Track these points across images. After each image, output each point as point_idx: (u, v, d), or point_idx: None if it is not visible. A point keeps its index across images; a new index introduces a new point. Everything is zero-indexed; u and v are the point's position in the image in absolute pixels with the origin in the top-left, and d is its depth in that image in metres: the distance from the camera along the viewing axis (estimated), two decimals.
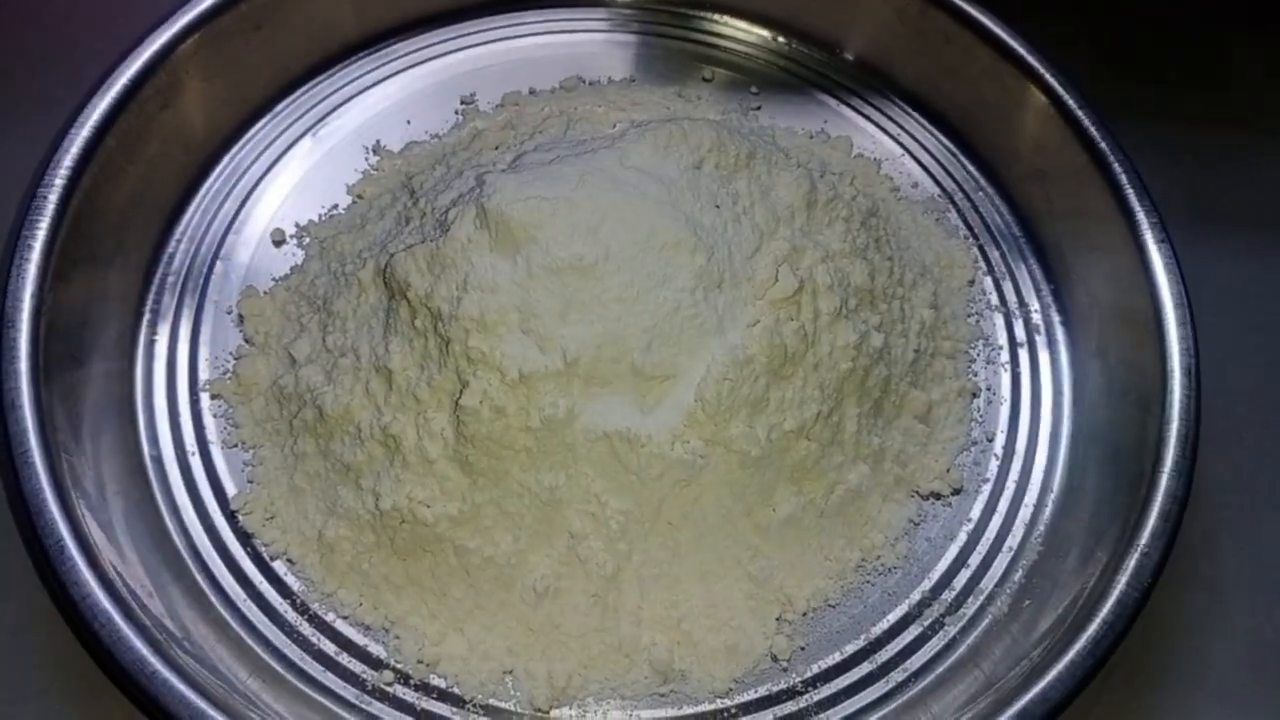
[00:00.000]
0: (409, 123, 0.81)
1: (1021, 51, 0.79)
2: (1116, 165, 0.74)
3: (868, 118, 0.85)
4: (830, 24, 0.86)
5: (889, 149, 0.84)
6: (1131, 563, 0.61)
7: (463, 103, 0.83)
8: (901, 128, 0.85)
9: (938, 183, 0.82)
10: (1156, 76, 0.92)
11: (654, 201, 0.63)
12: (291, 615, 0.63)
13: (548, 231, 0.61)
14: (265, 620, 0.63)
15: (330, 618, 0.63)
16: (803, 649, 0.64)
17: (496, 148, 0.76)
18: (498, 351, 0.60)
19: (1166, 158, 0.85)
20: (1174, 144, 0.88)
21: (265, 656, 0.62)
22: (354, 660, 0.62)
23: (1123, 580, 0.60)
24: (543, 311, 0.60)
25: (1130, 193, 0.73)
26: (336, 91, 0.83)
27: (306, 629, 0.63)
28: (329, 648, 0.62)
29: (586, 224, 0.62)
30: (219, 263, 0.75)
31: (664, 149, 0.67)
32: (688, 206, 0.64)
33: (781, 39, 0.87)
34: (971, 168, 0.83)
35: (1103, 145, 0.75)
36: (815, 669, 0.63)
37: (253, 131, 0.80)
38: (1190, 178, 0.87)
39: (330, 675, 0.62)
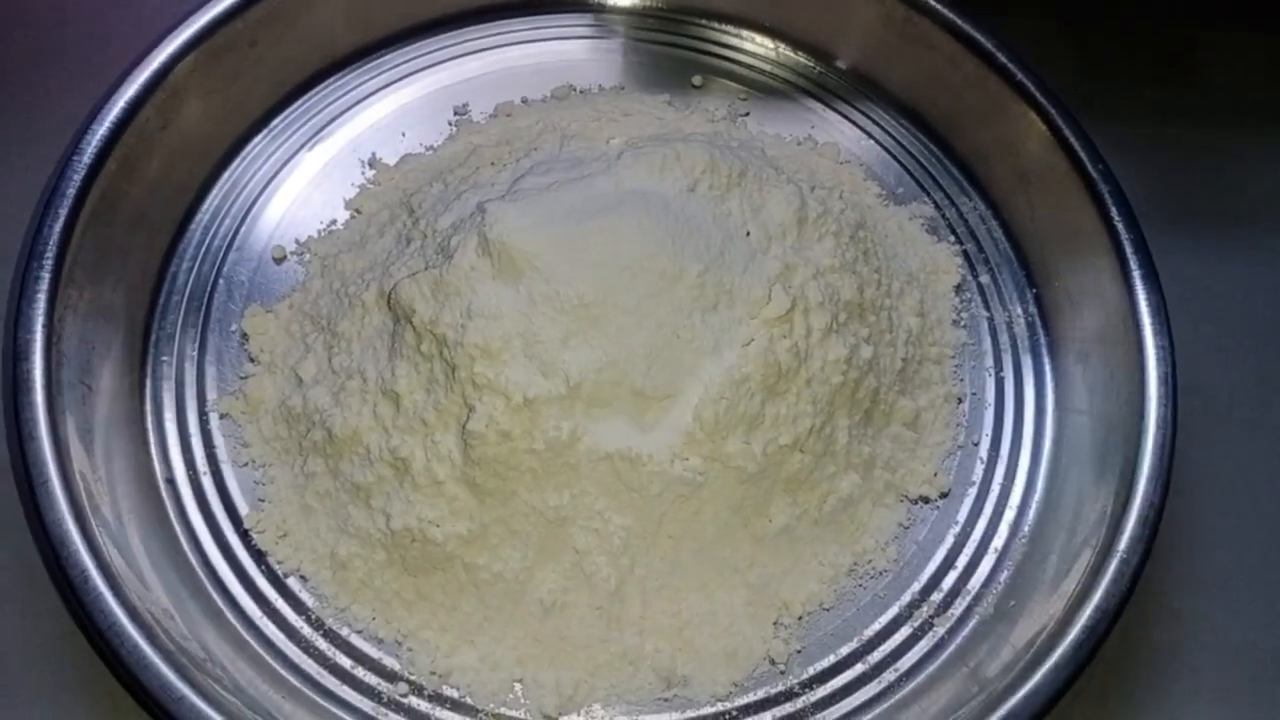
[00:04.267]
0: (404, 135, 0.82)
1: (1003, 59, 0.80)
2: (1096, 174, 0.75)
3: (855, 123, 0.86)
4: (819, 29, 0.87)
5: (876, 154, 0.85)
6: (1111, 569, 0.63)
7: (456, 114, 0.83)
8: (888, 133, 0.85)
9: (923, 188, 0.84)
10: (1131, 75, 0.93)
11: (650, 226, 0.64)
12: (307, 630, 0.65)
13: (548, 260, 0.62)
14: (282, 636, 0.65)
15: (345, 632, 0.64)
16: (799, 652, 0.66)
17: (492, 164, 0.76)
18: (503, 377, 0.61)
19: (1142, 156, 0.87)
20: (1149, 142, 0.90)
21: (283, 672, 0.64)
22: (369, 673, 0.64)
23: (1102, 585, 0.63)
24: (545, 338, 0.62)
25: (1110, 202, 0.74)
26: (331, 105, 0.83)
27: (322, 644, 0.65)
28: (344, 662, 0.64)
29: (586, 251, 0.63)
30: (221, 281, 0.76)
31: (659, 171, 0.68)
32: (683, 230, 0.65)
33: (770, 45, 0.88)
34: (955, 172, 0.84)
35: (1083, 154, 0.76)
36: (811, 671, 0.66)
37: (250, 147, 0.80)
38: (1165, 176, 0.88)
39: (347, 688, 0.63)
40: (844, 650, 0.66)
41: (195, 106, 0.77)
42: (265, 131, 0.82)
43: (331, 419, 0.66)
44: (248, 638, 0.64)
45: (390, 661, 0.64)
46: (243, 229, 0.78)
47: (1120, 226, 0.74)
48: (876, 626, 0.67)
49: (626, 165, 0.68)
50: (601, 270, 0.63)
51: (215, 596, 0.65)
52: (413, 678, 0.64)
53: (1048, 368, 0.77)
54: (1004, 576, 0.70)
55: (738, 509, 0.65)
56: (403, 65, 0.85)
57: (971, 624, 0.68)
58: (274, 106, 0.82)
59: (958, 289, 0.80)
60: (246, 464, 0.70)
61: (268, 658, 0.64)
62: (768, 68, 0.88)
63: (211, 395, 0.72)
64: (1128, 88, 0.92)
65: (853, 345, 0.68)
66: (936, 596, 0.69)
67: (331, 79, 0.84)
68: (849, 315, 0.69)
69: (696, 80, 0.86)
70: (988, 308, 0.79)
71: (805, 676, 0.66)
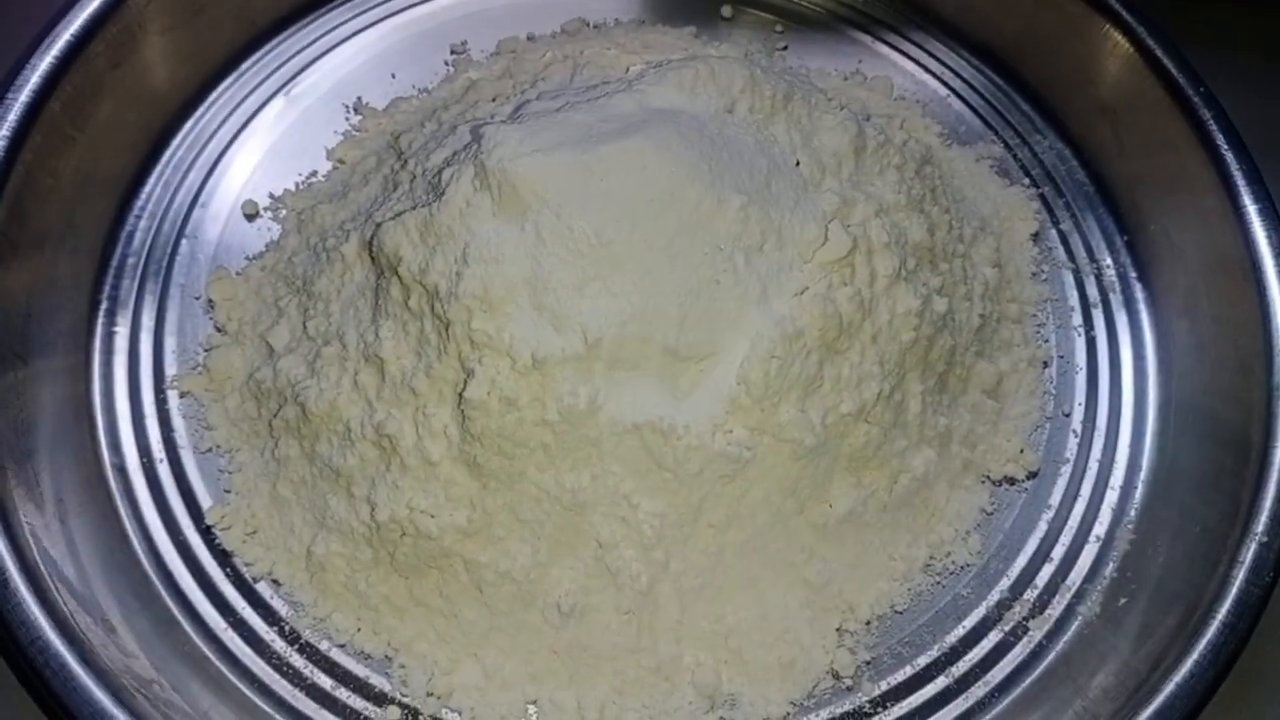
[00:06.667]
0: (393, 76, 0.74)
1: None
2: (1197, 98, 0.67)
3: (907, 55, 0.77)
4: None
5: (933, 89, 0.76)
6: (1249, 554, 0.54)
7: (453, 52, 0.75)
8: (945, 65, 0.77)
9: (989, 125, 0.75)
10: (1221, 3, 0.83)
11: (682, 150, 0.55)
12: (280, 645, 0.58)
13: (559, 191, 0.54)
14: (249, 651, 0.58)
15: (325, 646, 0.58)
16: (868, 664, 0.58)
17: (494, 99, 0.68)
18: (506, 333, 0.53)
19: (1241, 88, 0.77)
20: (1245, 74, 0.79)
21: (250, 694, 0.56)
22: (354, 695, 0.57)
23: (1240, 575, 0.54)
24: (557, 285, 0.53)
25: (1214, 128, 0.66)
26: (312, 44, 0.75)
27: (297, 660, 0.57)
28: (324, 682, 0.57)
29: (604, 179, 0.54)
30: (184, 241, 0.68)
31: (690, 90, 0.59)
32: (720, 155, 0.56)
33: None
34: (1026, 107, 0.75)
35: (1180, 77, 0.67)
36: (884, 686, 0.58)
37: (218, 91, 0.73)
38: (1261, 113, 0.78)
39: (326, 714, 0.56)
40: (922, 661, 0.58)
41: (153, 43, 0.69)
42: (236, 74, 0.74)
43: (306, 392, 0.57)
44: (208, 654, 0.57)
45: (379, 681, 0.57)
46: (209, 183, 0.70)
47: (1229, 156, 0.65)
48: (960, 632, 0.59)
49: (652, 82, 0.59)
50: (624, 202, 0.54)
51: (170, 604, 0.58)
52: (406, 700, 0.56)
53: (1146, 324, 0.68)
54: (1109, 570, 0.61)
55: (792, 491, 0.57)
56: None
57: (1074, 627, 0.59)
58: (246, 45, 0.74)
59: (1036, 238, 0.70)
60: (210, 449, 0.62)
61: (232, 678, 0.57)
62: None
63: (171, 371, 0.64)
64: (1219, 14, 0.81)
65: (925, 296, 0.59)
66: (1030, 595, 0.60)
67: (311, 14, 0.76)
68: (918, 261, 0.60)
69: (726, 11, 0.78)
70: (1071, 258, 0.70)
71: (877, 693, 0.58)
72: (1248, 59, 0.80)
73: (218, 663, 0.56)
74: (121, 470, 0.61)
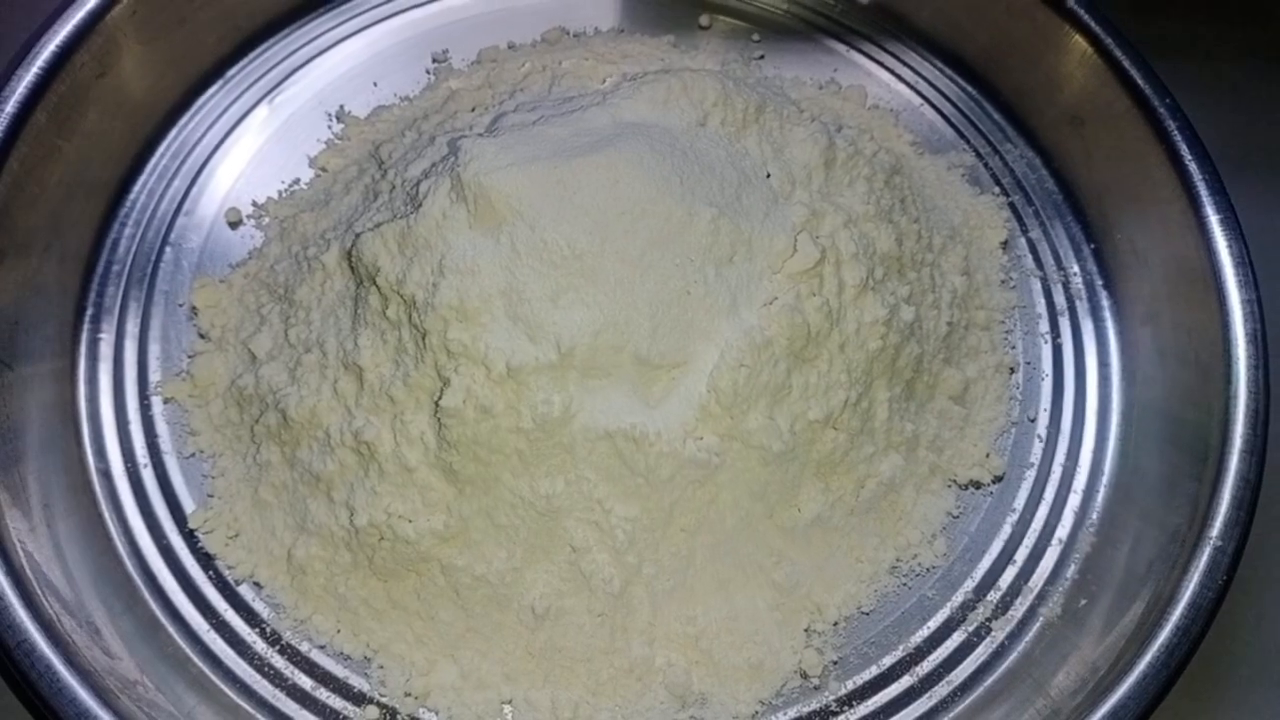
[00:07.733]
0: (376, 85, 0.75)
1: None
2: (1162, 109, 0.67)
3: (882, 64, 0.78)
4: None
5: (906, 99, 0.77)
6: (1204, 558, 0.55)
7: (435, 61, 0.76)
8: (919, 75, 0.77)
9: (961, 134, 0.76)
10: (1191, 12, 0.84)
11: (654, 164, 0.56)
12: (261, 646, 0.58)
13: (534, 204, 0.55)
14: (231, 653, 0.58)
15: (305, 648, 0.58)
16: (835, 663, 0.59)
17: (473, 109, 0.68)
18: (481, 343, 0.54)
19: (1204, 98, 0.78)
20: (1210, 83, 0.81)
21: (232, 695, 0.57)
22: (333, 695, 0.57)
23: (1195, 578, 0.55)
24: (531, 296, 0.54)
25: (1179, 139, 0.66)
26: (295, 52, 0.76)
27: (278, 661, 0.58)
28: (305, 682, 0.57)
29: (577, 192, 0.55)
30: (168, 249, 0.68)
31: (663, 103, 0.60)
32: (692, 168, 0.57)
33: None
34: (998, 116, 0.76)
35: (1146, 88, 0.68)
36: (850, 685, 0.59)
37: (202, 100, 0.73)
38: (1230, 119, 0.79)
39: (306, 713, 0.57)
40: (887, 661, 0.59)
41: (137, 53, 0.69)
42: (220, 82, 0.74)
43: (286, 399, 0.58)
44: (191, 655, 0.58)
45: (358, 681, 0.58)
46: (193, 190, 0.70)
47: (1192, 166, 0.65)
48: (924, 632, 0.60)
49: (625, 96, 0.60)
50: (596, 214, 0.55)
51: (154, 607, 0.59)
52: (384, 700, 0.57)
53: (1111, 331, 0.69)
54: (1070, 572, 0.62)
55: (761, 496, 0.57)
56: (375, 9, 0.78)
57: (1035, 628, 0.60)
58: (229, 54, 0.75)
59: (1005, 246, 0.71)
60: (193, 455, 0.63)
61: (214, 678, 0.57)
62: (783, 5, 0.80)
63: (155, 377, 0.65)
64: (1184, 25, 0.83)
65: (892, 305, 0.59)
66: (993, 596, 0.61)
67: (294, 23, 0.76)
68: (886, 271, 0.61)
69: (704, 20, 0.78)
70: (1040, 266, 0.71)
71: (843, 692, 0.58)
72: (1213, 70, 0.81)
73: (200, 664, 0.57)
74: (106, 475, 0.61)
